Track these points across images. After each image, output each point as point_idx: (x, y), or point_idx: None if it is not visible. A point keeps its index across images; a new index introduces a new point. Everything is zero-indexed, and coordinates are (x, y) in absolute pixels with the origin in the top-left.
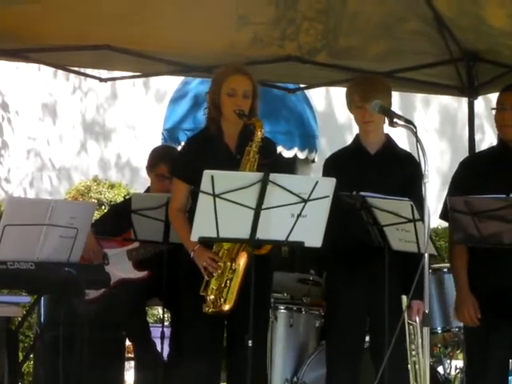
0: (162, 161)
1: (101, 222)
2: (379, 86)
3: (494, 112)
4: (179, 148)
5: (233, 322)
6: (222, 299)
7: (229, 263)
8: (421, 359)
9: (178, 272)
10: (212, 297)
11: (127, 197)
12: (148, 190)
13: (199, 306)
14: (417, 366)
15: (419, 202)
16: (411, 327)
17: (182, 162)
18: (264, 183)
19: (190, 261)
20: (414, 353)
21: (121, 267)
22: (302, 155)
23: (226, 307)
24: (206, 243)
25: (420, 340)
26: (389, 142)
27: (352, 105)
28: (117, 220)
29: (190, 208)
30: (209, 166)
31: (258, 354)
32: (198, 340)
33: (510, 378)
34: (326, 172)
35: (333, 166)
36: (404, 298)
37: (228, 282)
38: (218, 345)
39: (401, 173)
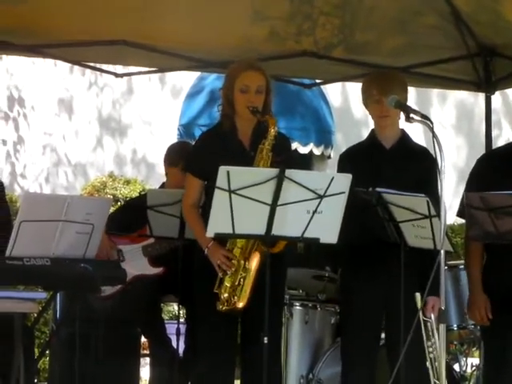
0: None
1: (115, 218)
2: (396, 80)
3: None
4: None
5: (246, 320)
6: (236, 297)
7: (242, 261)
8: (440, 356)
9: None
10: (226, 295)
11: (142, 193)
12: (163, 186)
13: (213, 303)
14: (436, 364)
15: (435, 197)
16: (427, 324)
17: (195, 158)
18: (280, 179)
19: (204, 257)
20: (431, 349)
21: (136, 264)
22: (317, 151)
23: (240, 305)
24: (220, 240)
25: (437, 336)
26: (404, 137)
27: (369, 99)
28: (132, 216)
29: (204, 204)
30: (222, 163)
31: (272, 352)
32: (213, 337)
33: None
34: (341, 167)
35: (348, 160)
36: (418, 296)
37: (241, 280)
38: (231, 341)
39: (416, 168)
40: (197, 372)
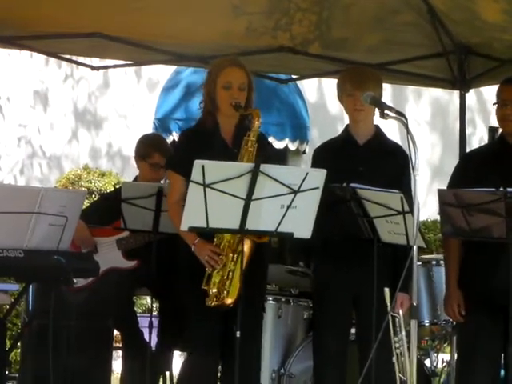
0: (156, 150)
1: (90, 211)
2: (371, 75)
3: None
4: (170, 138)
5: (229, 314)
6: (225, 292)
7: (231, 254)
8: (406, 351)
9: (167, 262)
10: (214, 290)
11: (118, 186)
12: (136, 179)
13: (201, 299)
14: (402, 359)
15: (408, 194)
16: (396, 320)
17: (178, 156)
18: (254, 174)
19: (189, 254)
20: (397, 345)
21: (110, 256)
22: (293, 146)
23: (229, 300)
24: (206, 235)
25: (404, 332)
26: (378, 134)
27: (343, 93)
28: (107, 209)
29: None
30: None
31: (253, 347)
32: (204, 334)
33: (502, 371)
34: (315, 162)
35: (321, 156)
36: (387, 291)
37: (230, 273)
38: (219, 337)
39: (389, 164)
40: (188, 370)
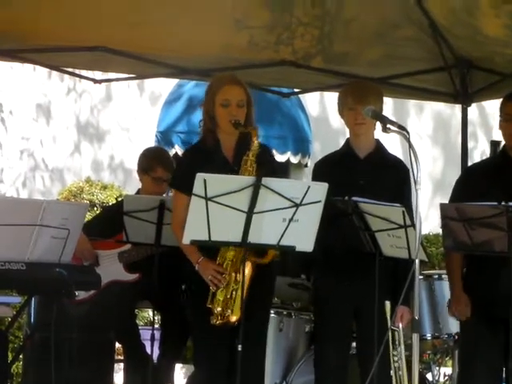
0: (159, 164)
1: (93, 224)
2: (372, 89)
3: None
4: (173, 151)
5: (235, 330)
6: (229, 310)
7: (234, 274)
8: (404, 365)
9: (169, 275)
10: (219, 309)
11: (120, 199)
12: (138, 192)
13: (207, 317)
14: (400, 372)
15: (408, 207)
16: (395, 333)
17: (181, 175)
18: (256, 187)
19: (194, 271)
20: (396, 358)
21: (112, 269)
22: (294, 160)
23: (234, 318)
24: (209, 254)
25: (403, 346)
26: (379, 147)
27: (344, 107)
28: (109, 222)
29: None
30: None
31: (258, 361)
32: (212, 352)
33: None
34: (315, 176)
35: (322, 170)
36: (388, 305)
37: (233, 292)
38: (225, 354)
39: (390, 178)
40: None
